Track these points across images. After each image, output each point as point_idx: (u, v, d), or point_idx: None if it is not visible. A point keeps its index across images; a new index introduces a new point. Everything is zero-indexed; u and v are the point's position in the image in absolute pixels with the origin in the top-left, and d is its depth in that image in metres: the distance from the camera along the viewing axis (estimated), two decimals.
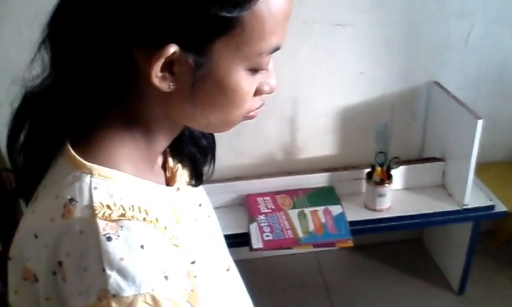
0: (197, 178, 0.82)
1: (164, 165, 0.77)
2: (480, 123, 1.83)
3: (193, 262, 0.66)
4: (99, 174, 0.60)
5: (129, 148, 0.65)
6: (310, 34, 2.00)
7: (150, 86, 0.58)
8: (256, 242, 1.81)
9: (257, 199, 2.01)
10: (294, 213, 1.94)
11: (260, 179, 2.08)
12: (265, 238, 1.83)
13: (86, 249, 0.56)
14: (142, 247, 0.57)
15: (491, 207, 2.01)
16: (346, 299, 2.26)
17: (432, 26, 2.07)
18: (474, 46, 2.13)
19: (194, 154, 0.81)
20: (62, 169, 0.62)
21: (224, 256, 0.85)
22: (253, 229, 1.86)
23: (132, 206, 0.59)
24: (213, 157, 0.83)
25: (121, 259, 0.55)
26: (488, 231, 2.41)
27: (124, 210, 0.58)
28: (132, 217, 0.58)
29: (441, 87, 2.11)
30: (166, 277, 0.57)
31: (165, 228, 0.62)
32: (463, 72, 2.18)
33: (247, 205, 1.99)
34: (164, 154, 0.77)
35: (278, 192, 2.04)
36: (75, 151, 0.62)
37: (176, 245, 0.63)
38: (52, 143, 0.65)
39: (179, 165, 0.78)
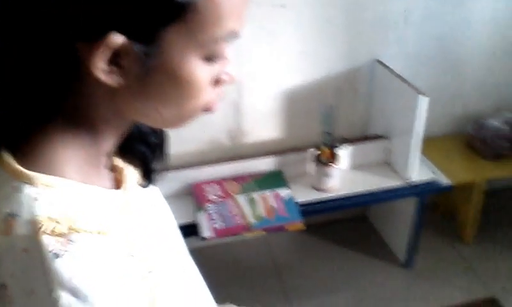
0: (148, 178, 0.76)
1: (112, 167, 0.71)
2: (423, 98, 1.85)
3: (150, 271, 0.62)
4: (41, 184, 0.54)
5: (74, 152, 0.59)
6: (251, 16, 1.95)
7: (96, 81, 0.53)
8: (206, 231, 1.78)
9: (204, 187, 1.96)
10: (243, 199, 1.91)
11: (207, 166, 2.03)
12: (215, 226, 1.79)
13: (32, 268, 0.50)
14: (93, 261, 0.52)
15: (436, 181, 2.06)
16: (297, 280, 2.27)
17: (373, 4, 2.07)
18: (414, 23, 2.16)
19: (143, 153, 0.74)
20: None
21: (182, 254, 0.81)
22: (202, 218, 1.82)
23: (80, 216, 0.54)
24: (163, 154, 0.78)
25: (72, 277, 0.50)
26: (431, 203, 2.48)
27: (71, 221, 0.53)
28: (80, 229, 0.53)
29: (384, 65, 2.12)
30: (122, 291, 0.53)
31: (117, 237, 0.58)
32: (404, 49, 2.21)
33: (194, 194, 1.94)
34: (112, 155, 0.71)
35: (226, 179, 2.00)
36: (13, 159, 0.55)
37: (131, 255, 0.59)
38: None
39: (128, 166, 0.73)
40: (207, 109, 0.62)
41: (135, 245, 0.61)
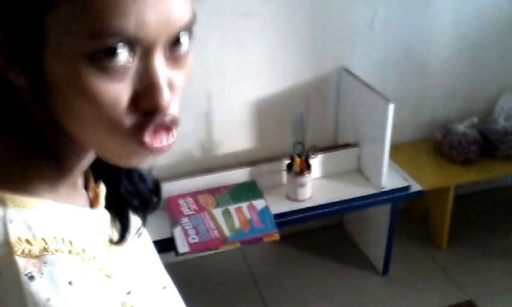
0: (123, 231, 0.70)
1: (87, 186, 0.68)
2: (391, 106, 1.88)
3: (129, 292, 0.60)
4: (13, 205, 0.52)
5: (43, 169, 0.56)
6: (217, 27, 1.95)
7: (21, 91, 0.50)
8: (182, 246, 1.75)
9: (178, 201, 1.94)
10: (218, 212, 1.90)
11: (180, 179, 2.01)
12: (191, 241, 1.77)
13: (7, 292, 0.48)
14: (70, 283, 0.50)
15: (407, 187, 2.08)
16: (275, 291, 2.26)
17: (339, 12, 2.10)
18: (379, 30, 2.19)
19: (126, 215, 0.70)
20: None
21: (160, 273, 0.79)
22: (178, 233, 1.80)
23: (55, 237, 0.52)
24: (144, 218, 0.73)
25: (48, 299, 0.48)
26: (403, 210, 2.51)
27: (46, 243, 0.51)
28: (56, 250, 0.51)
29: (350, 72, 2.15)
30: None
31: (94, 257, 0.56)
32: (369, 56, 2.24)
33: (168, 208, 1.92)
34: (86, 174, 0.68)
35: (200, 192, 1.99)
36: None
37: (108, 276, 0.57)
38: None
39: (102, 184, 0.69)
40: (141, 142, 0.52)
41: (112, 265, 0.59)
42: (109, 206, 0.69)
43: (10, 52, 0.49)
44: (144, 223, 0.74)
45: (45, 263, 0.50)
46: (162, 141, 0.54)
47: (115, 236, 0.69)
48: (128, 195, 0.70)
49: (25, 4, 0.46)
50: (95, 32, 0.46)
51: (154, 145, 0.53)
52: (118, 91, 0.49)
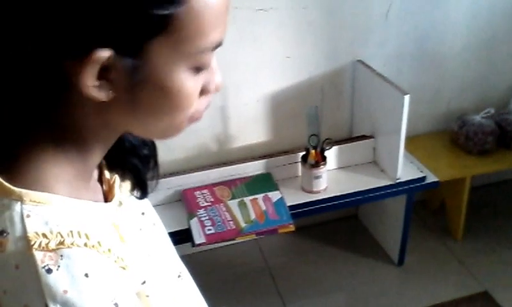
0: (142, 190, 0.76)
1: (101, 179, 0.71)
2: (407, 98, 1.88)
3: (143, 282, 0.62)
4: (30, 200, 0.54)
5: (62, 166, 0.59)
6: (233, 21, 1.95)
7: (84, 96, 0.53)
8: (199, 237, 1.78)
9: (195, 193, 1.97)
10: (234, 204, 1.92)
11: (196, 172, 2.04)
12: (207, 232, 1.80)
13: (25, 284, 0.51)
14: (86, 275, 0.52)
15: (423, 178, 2.08)
16: (291, 282, 2.28)
17: (353, 5, 2.10)
18: (394, 22, 2.19)
19: (136, 165, 0.74)
20: None
21: (174, 262, 0.82)
22: (194, 224, 1.83)
23: (71, 231, 0.54)
24: (156, 165, 0.78)
25: (65, 291, 0.50)
26: (419, 201, 2.51)
27: (62, 237, 0.53)
28: (72, 243, 0.53)
29: (365, 65, 2.15)
30: (116, 305, 0.54)
31: (109, 250, 0.58)
32: (385, 48, 2.23)
33: (185, 200, 1.94)
34: (100, 166, 0.71)
35: (216, 184, 2.01)
36: (0, 177, 0.55)
37: (123, 268, 0.59)
38: None
39: (116, 176, 0.72)
40: (195, 119, 0.63)
41: (127, 257, 0.61)
42: (114, 165, 0.73)
43: (110, 68, 0.52)
44: (146, 188, 0.77)
45: (62, 256, 0.52)
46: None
47: (125, 197, 0.72)
48: (132, 148, 0.74)
49: (137, 29, 0.51)
50: (203, 48, 0.55)
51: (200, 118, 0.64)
52: (199, 84, 0.59)
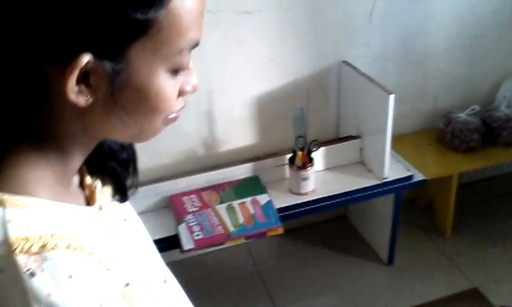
0: (122, 194, 0.76)
1: (82, 184, 0.71)
2: (392, 97, 1.88)
3: (127, 284, 0.62)
4: (12, 205, 0.54)
5: (43, 171, 0.59)
6: (216, 24, 1.96)
7: (64, 101, 0.53)
8: (187, 243, 1.77)
9: (182, 198, 1.96)
10: (222, 208, 1.91)
11: (183, 177, 2.02)
12: (196, 238, 1.79)
13: (9, 289, 0.51)
14: (70, 277, 0.52)
15: (410, 177, 2.09)
16: (281, 285, 2.28)
17: (337, 5, 2.10)
18: (378, 22, 2.19)
19: (115, 169, 0.74)
20: None
21: (159, 268, 0.81)
22: (182, 230, 1.82)
23: (54, 234, 0.54)
24: (135, 169, 0.77)
25: (49, 294, 0.50)
26: (408, 200, 2.52)
27: (45, 240, 0.53)
28: (55, 246, 0.53)
29: (350, 65, 2.15)
30: (100, 306, 0.53)
31: (92, 251, 0.57)
32: (369, 49, 2.24)
33: (173, 206, 1.93)
34: (81, 172, 0.71)
35: (204, 189, 2.01)
36: None
37: (108, 269, 0.59)
38: None
39: (98, 181, 0.72)
40: (171, 120, 0.63)
41: (110, 259, 0.60)
42: (94, 169, 0.72)
43: (91, 73, 0.53)
44: (125, 192, 0.76)
45: (45, 258, 0.52)
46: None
47: (106, 202, 0.72)
48: (111, 153, 0.73)
49: (118, 34, 0.51)
50: (182, 49, 0.56)
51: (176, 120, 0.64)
52: (177, 86, 0.60)
